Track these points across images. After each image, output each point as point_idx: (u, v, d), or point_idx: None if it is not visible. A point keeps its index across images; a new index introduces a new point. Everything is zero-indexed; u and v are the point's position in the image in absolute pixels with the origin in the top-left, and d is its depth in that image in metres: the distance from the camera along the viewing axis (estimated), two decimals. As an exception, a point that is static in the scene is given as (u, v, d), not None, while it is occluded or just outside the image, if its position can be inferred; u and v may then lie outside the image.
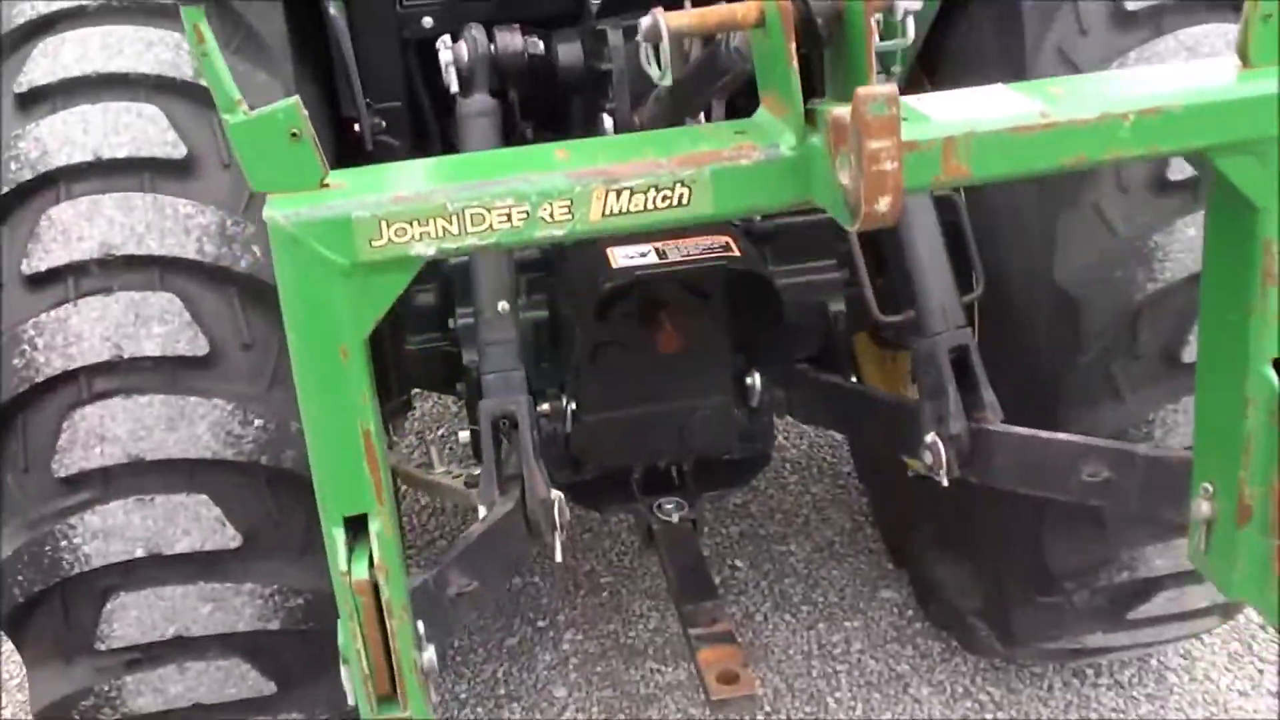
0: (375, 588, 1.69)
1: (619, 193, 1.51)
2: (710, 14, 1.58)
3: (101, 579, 2.15)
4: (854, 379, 2.88)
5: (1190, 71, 1.65)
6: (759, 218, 2.67)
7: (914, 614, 3.35)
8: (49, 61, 2.23)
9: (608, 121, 2.50)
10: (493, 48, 2.50)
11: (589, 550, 3.62)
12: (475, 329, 2.33)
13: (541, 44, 2.60)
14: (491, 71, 2.50)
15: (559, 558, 2.17)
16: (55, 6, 2.28)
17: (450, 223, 1.52)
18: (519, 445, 2.18)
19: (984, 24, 2.51)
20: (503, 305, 2.32)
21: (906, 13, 1.80)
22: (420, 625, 1.84)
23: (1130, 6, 2.32)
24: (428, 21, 2.57)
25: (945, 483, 2.32)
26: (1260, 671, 3.16)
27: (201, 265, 2.16)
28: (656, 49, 1.59)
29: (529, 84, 2.67)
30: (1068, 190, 2.34)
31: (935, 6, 2.53)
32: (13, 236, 2.13)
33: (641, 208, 1.52)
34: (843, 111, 1.45)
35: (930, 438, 2.30)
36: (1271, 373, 1.69)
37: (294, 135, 1.50)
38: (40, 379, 2.12)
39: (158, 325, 2.13)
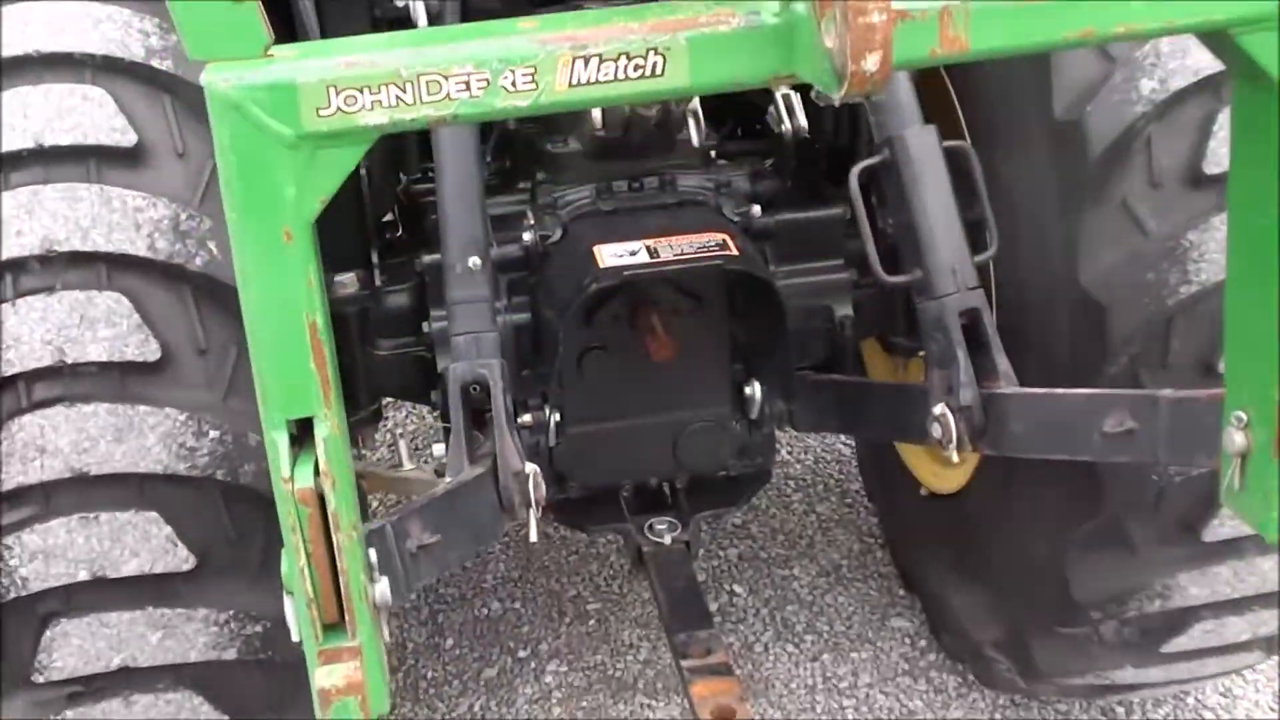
0: (321, 499, 1.69)
1: (587, 60, 1.49)
2: None
3: (41, 604, 2.13)
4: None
5: None
6: (758, 213, 2.68)
7: (927, 645, 3.35)
8: (-14, 39, 2.25)
9: (595, 110, 2.51)
10: None
11: (574, 574, 3.62)
12: (443, 285, 2.34)
13: None
14: (462, 8, 2.51)
15: (534, 536, 2.18)
16: (-7, -20, 2.31)
17: (404, 90, 1.50)
18: (491, 414, 2.18)
19: None
20: (474, 260, 2.31)
21: None
22: (373, 555, 1.85)
23: None
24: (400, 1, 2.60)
25: (955, 459, 2.32)
26: (1306, 711, 3.18)
27: (153, 263, 2.16)
28: None
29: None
30: (1093, 185, 2.35)
31: None
32: None
33: (611, 77, 1.49)
34: (828, -28, 1.43)
35: (939, 409, 2.30)
36: None
37: None
38: (-25, 386, 2.12)
39: (104, 328, 2.13)
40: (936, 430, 2.31)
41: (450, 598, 3.57)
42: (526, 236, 2.60)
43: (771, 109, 2.70)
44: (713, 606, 3.44)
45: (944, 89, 2.72)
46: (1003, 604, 2.87)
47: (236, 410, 2.19)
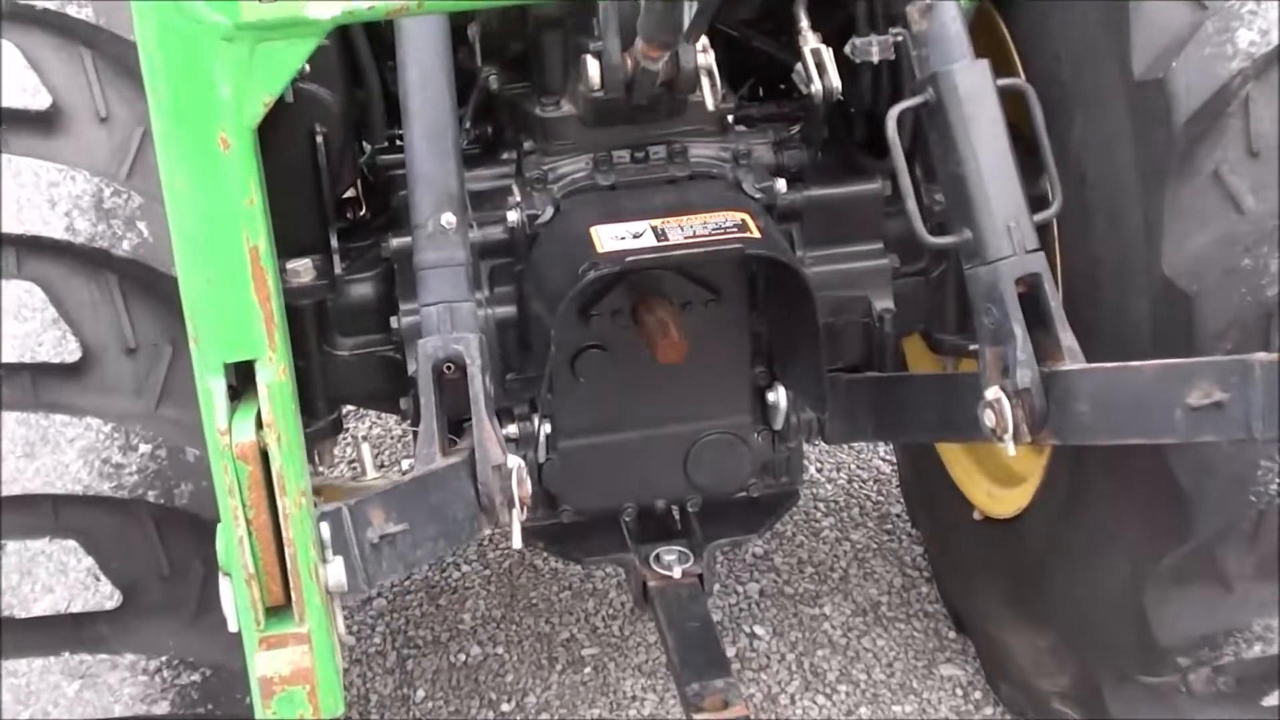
0: (264, 456, 1.70)
1: None
2: None
3: (-61, 649, 2.14)
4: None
5: None
6: (783, 188, 2.68)
7: (982, 696, 3.34)
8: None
9: (592, 66, 2.50)
10: None
11: (566, 613, 3.62)
12: (413, 246, 2.32)
13: None
14: None
15: (518, 543, 2.20)
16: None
17: None
18: (469, 397, 2.19)
19: None
20: (447, 217, 2.31)
21: None
22: (325, 530, 1.83)
23: None
24: None
25: (1012, 451, 2.32)
26: None
27: (71, 247, 2.15)
28: None
29: (493, 19, 2.69)
30: (1179, 155, 2.34)
31: None
32: None
33: None
34: None
35: (992, 393, 2.30)
36: None
37: None
38: None
39: (13, 323, 2.11)
40: (989, 419, 2.31)
41: (421, 641, 3.57)
42: (511, 216, 2.60)
43: (799, 66, 2.69)
44: (730, 651, 3.43)
45: (1001, 41, 2.71)
46: (1072, 648, 2.87)
47: (171, 420, 2.18)
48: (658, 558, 2.76)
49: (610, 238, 2.46)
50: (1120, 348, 2.46)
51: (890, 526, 3.84)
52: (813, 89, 2.65)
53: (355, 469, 3.87)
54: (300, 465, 1.76)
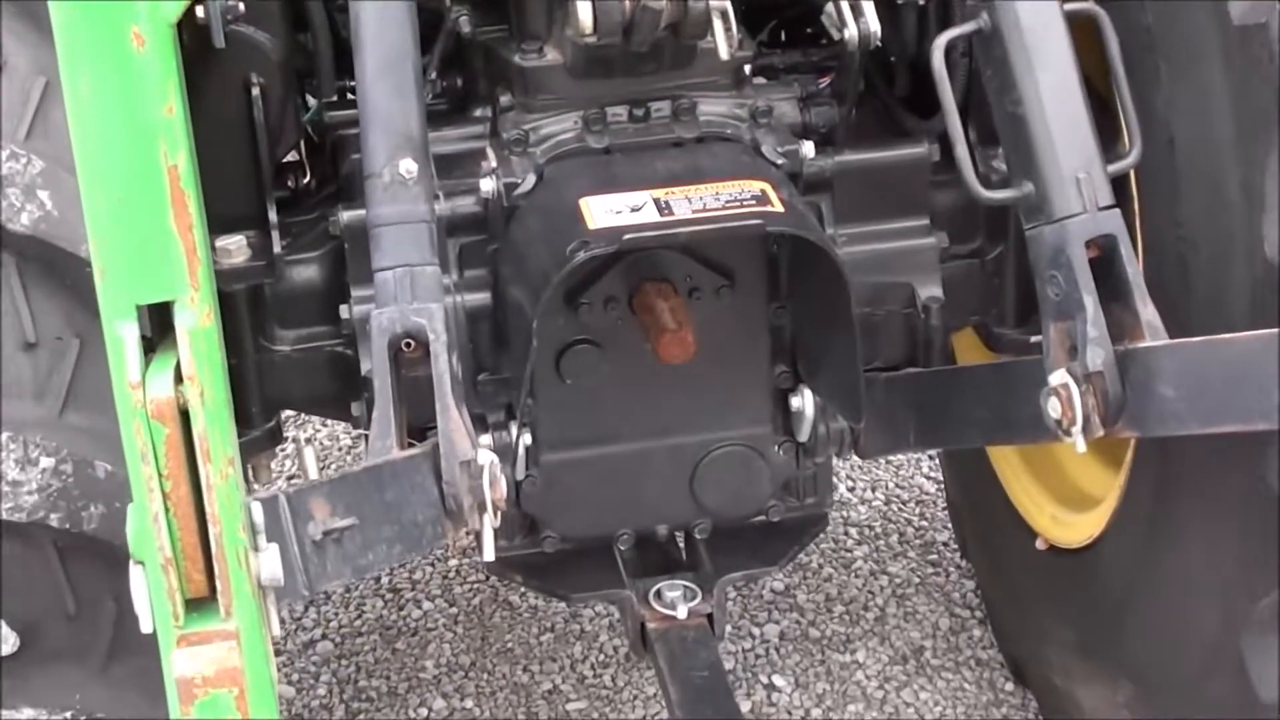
0: (185, 416, 1.72)
1: None
2: None
3: None
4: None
5: None
6: (810, 153, 2.69)
7: (1045, 760, 3.35)
8: None
9: (583, 5, 2.50)
10: None
11: (549, 660, 3.62)
12: (366, 199, 2.32)
13: None
14: None
15: (489, 554, 2.20)
16: None
17: None
18: (431, 380, 2.20)
19: None
20: (407, 165, 2.31)
21: None
22: (258, 512, 1.85)
23: None
24: None
25: (1081, 447, 2.33)
26: None
27: (-46, 219, 2.17)
28: None
29: None
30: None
31: None
32: None
33: None
34: None
35: (1057, 377, 2.31)
36: None
37: None
38: None
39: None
40: (1054, 408, 2.32)
41: (375, 693, 3.57)
42: (486, 186, 2.60)
43: (829, 7, 2.70)
44: (745, 706, 3.43)
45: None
46: (1153, 703, 2.87)
47: (78, 429, 2.18)
48: (659, 594, 2.77)
49: (604, 211, 2.46)
50: (1211, 334, 2.45)
51: (935, 557, 3.85)
52: (846, 34, 2.66)
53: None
54: (227, 428, 1.77)
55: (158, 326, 1.75)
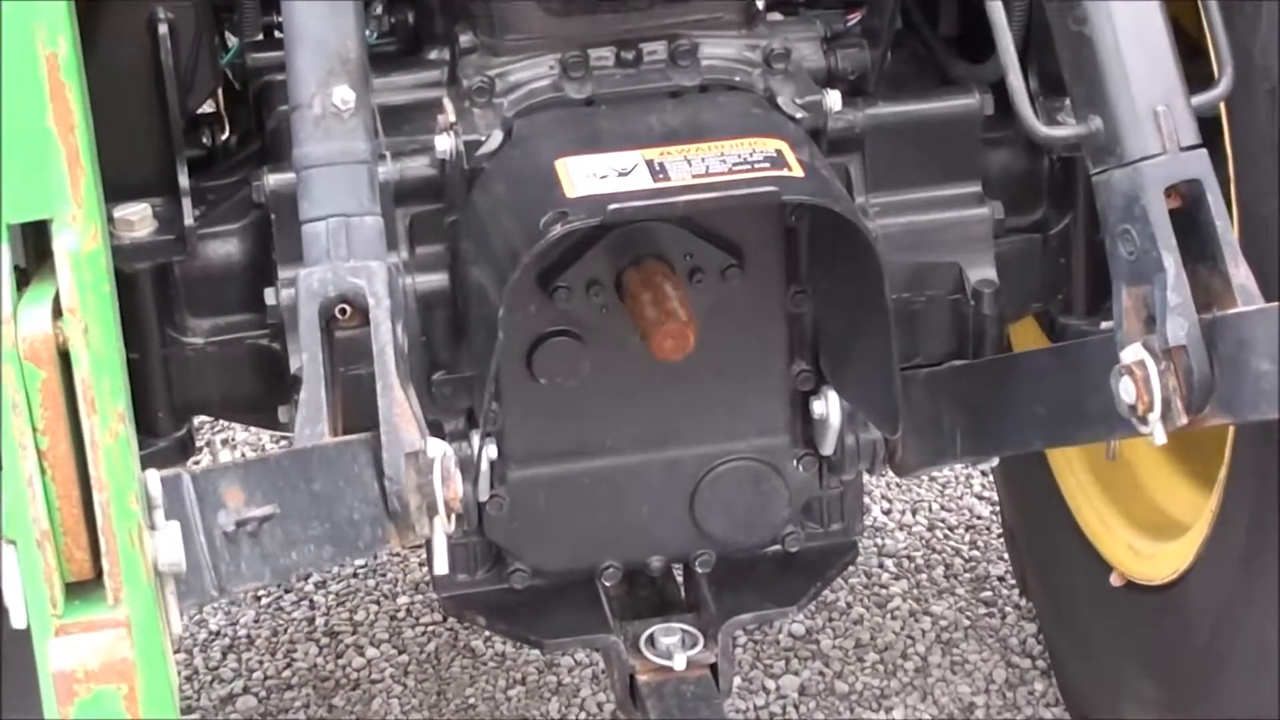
0: (65, 359, 1.72)
1: None
2: None
3: None
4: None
5: None
6: (836, 105, 2.69)
7: (1120, 841, 3.35)
8: None
9: None
10: None
11: (519, 719, 3.62)
12: (293, 135, 2.33)
13: None
14: None
15: (441, 567, 2.23)
16: None
17: None
18: (373, 354, 2.20)
19: None
20: (342, 94, 2.31)
21: None
22: (154, 482, 1.85)
23: None
24: None
25: (1161, 438, 2.32)
26: None
27: None
28: None
29: None
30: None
31: None
32: None
33: None
34: None
35: (1131, 353, 2.31)
36: None
37: None
38: None
39: None
40: (1126, 391, 2.32)
41: (309, 757, 3.58)
42: (442, 144, 2.61)
43: (859, -74, 2.72)
44: (755, 774, 3.44)
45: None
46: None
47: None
48: (652, 641, 2.77)
49: (585, 176, 2.46)
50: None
51: (989, 595, 3.85)
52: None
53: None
54: (117, 375, 1.77)
55: (34, 255, 1.75)
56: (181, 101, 2.67)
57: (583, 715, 3.62)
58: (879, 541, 3.95)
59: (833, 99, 2.69)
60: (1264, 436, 2.55)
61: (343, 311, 2.22)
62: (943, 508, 4.05)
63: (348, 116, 2.30)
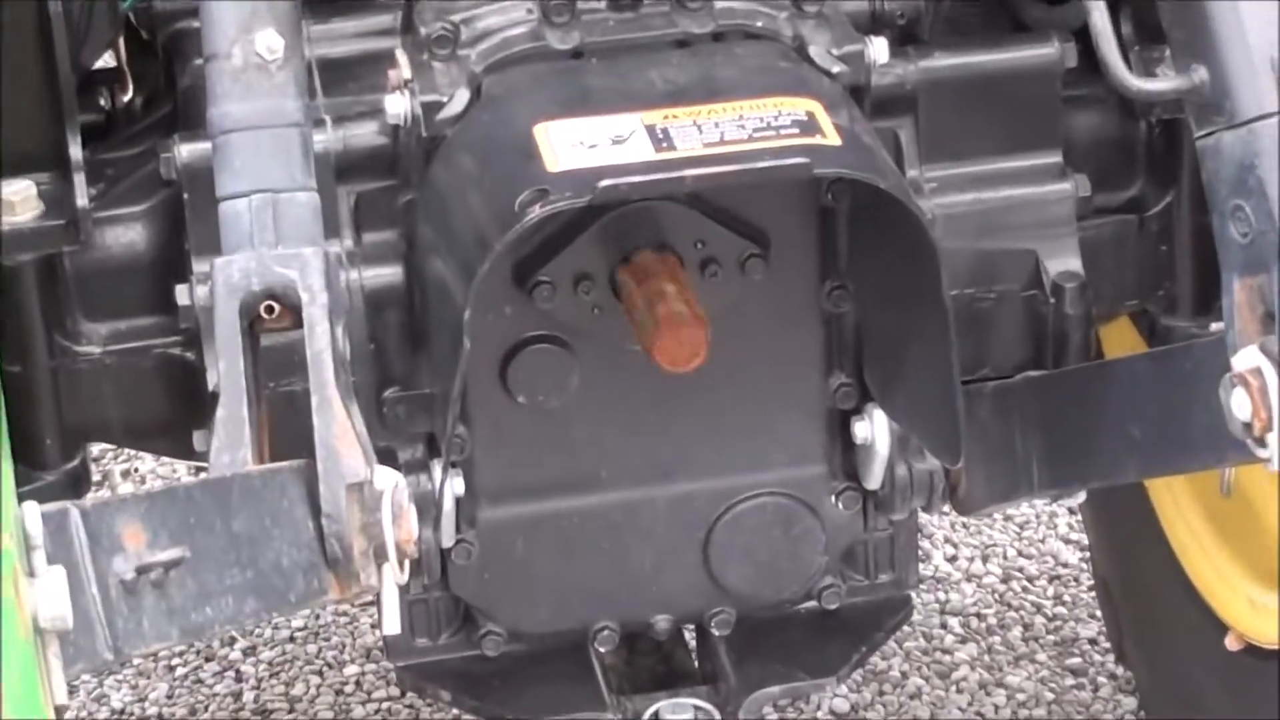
0: None
1: None
2: None
3: None
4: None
5: None
6: (882, 56, 2.70)
7: None
8: None
9: None
10: None
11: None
12: (207, 92, 2.35)
13: None
14: None
15: (395, 628, 2.24)
16: None
17: None
18: (307, 363, 2.22)
19: None
20: (268, 40, 2.34)
21: None
22: (32, 517, 1.88)
23: None
24: None
25: (1276, 465, 2.32)
26: None
27: None
28: None
29: None
30: None
31: None
32: None
33: None
34: None
35: (1245, 358, 2.31)
36: None
37: None
38: None
39: None
40: (1239, 404, 2.31)
41: None
42: (395, 106, 2.61)
43: None
44: None
45: None
46: None
47: None
48: (657, 719, 2.78)
49: (571, 145, 2.46)
50: None
51: (1078, 662, 3.86)
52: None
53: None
54: None
55: None
56: (73, 55, 2.66)
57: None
58: (940, 596, 3.96)
59: (878, 49, 2.69)
60: None
61: (270, 310, 2.24)
62: (1020, 554, 4.06)
63: (275, 69, 2.33)
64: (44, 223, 2.65)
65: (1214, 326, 2.60)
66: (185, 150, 2.62)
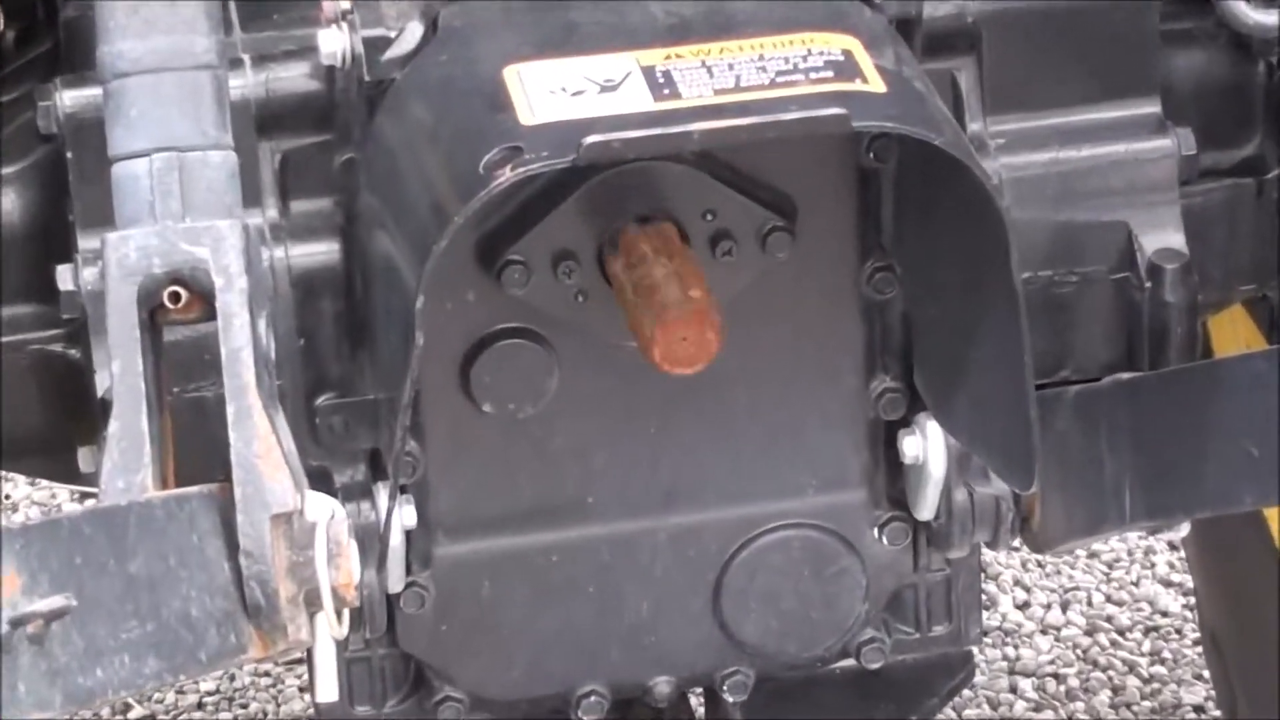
0: None
1: None
2: None
3: None
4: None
5: None
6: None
7: None
8: None
9: None
10: None
11: None
12: (97, 33, 2.39)
13: None
14: None
15: (330, 693, 2.26)
16: None
17: None
18: (221, 363, 2.25)
19: None
20: None
21: None
22: None
23: None
24: None
25: None
26: None
27: None
28: None
29: None
30: None
31: None
32: None
33: None
34: None
35: None
36: None
37: None
38: None
39: None
40: None
41: None
42: (331, 44, 2.61)
43: None
44: None
45: None
46: None
47: None
48: (656, 802, 2.79)
49: (550, 92, 2.46)
50: None
51: (1186, 726, 3.87)
52: None
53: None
54: None
55: None
56: None
57: None
58: (1009, 652, 3.98)
59: None
60: None
61: (175, 297, 2.24)
62: (1108, 599, 4.10)
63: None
64: None
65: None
66: (69, 98, 2.64)
